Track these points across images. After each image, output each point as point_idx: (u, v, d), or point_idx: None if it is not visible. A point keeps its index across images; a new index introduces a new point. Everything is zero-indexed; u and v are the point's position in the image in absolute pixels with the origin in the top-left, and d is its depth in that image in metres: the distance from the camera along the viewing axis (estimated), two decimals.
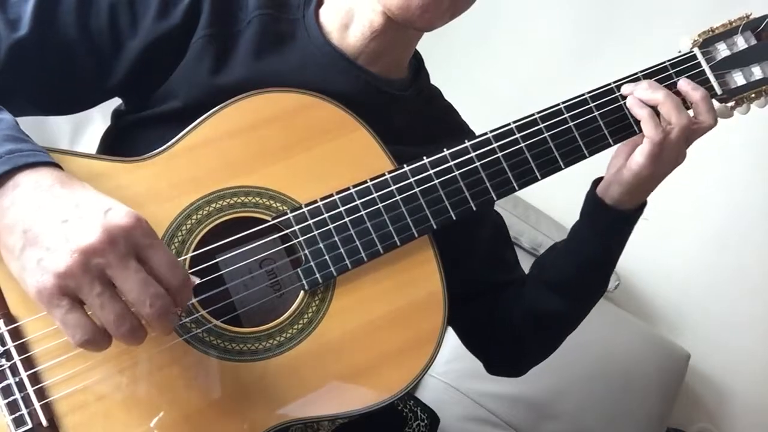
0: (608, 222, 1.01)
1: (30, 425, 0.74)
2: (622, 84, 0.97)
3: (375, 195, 0.88)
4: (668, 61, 0.98)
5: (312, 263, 0.86)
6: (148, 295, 0.68)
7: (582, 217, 1.05)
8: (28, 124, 1.93)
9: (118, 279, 0.67)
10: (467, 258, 1.09)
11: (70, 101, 0.96)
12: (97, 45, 0.90)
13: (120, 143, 0.98)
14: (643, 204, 1.01)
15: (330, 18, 0.98)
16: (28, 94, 0.90)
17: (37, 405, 0.75)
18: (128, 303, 0.68)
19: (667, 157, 0.95)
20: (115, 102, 1.01)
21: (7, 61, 0.85)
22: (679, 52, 1.00)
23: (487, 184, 0.91)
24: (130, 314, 0.68)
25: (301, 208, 0.87)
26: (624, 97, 0.96)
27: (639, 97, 0.95)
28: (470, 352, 1.22)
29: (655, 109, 0.95)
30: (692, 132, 0.95)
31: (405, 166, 0.90)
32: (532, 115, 0.94)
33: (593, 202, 1.02)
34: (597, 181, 1.03)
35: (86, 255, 0.66)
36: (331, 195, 0.88)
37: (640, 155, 0.94)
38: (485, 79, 2.14)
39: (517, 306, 1.11)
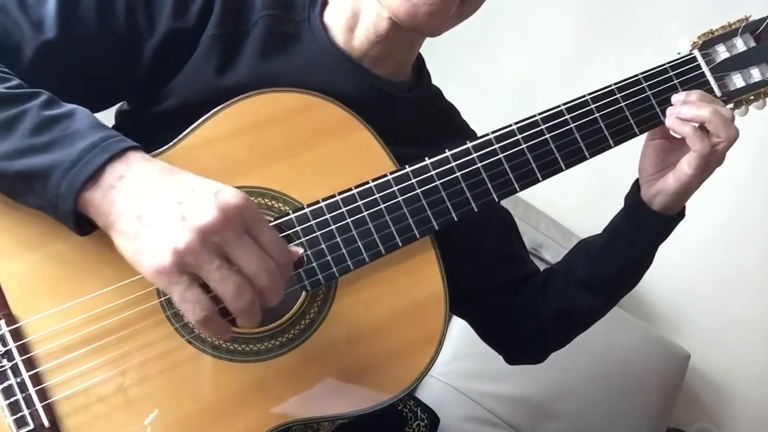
0: (656, 226, 1.02)
1: (32, 426, 0.74)
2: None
3: (377, 196, 0.89)
4: (668, 63, 0.98)
5: (314, 264, 0.86)
6: (265, 268, 0.70)
7: (627, 219, 1.05)
8: None
9: (236, 254, 0.69)
10: (479, 256, 1.10)
11: (92, 101, 0.95)
12: (117, 45, 0.90)
13: None
14: (684, 207, 1.02)
15: (335, 20, 0.98)
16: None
17: (38, 406, 0.75)
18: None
19: (713, 164, 0.96)
20: None
21: (34, 62, 0.85)
22: (679, 54, 1.00)
23: (489, 185, 0.92)
24: (249, 286, 0.70)
25: (303, 208, 0.87)
26: (625, 99, 0.96)
27: (684, 117, 0.94)
28: (488, 345, 1.24)
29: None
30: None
31: (407, 167, 0.90)
32: (534, 116, 0.94)
33: (640, 207, 1.02)
34: (637, 183, 1.04)
35: (204, 233, 0.68)
36: (333, 196, 0.88)
37: (688, 167, 0.95)
38: (486, 79, 2.14)
39: (544, 303, 1.12)
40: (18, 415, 0.74)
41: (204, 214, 0.68)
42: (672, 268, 2.11)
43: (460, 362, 1.86)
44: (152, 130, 0.93)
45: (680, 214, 1.02)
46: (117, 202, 0.72)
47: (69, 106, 0.80)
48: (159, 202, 0.70)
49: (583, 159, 0.95)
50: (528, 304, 1.14)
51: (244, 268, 0.69)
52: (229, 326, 0.73)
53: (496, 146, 0.92)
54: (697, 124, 0.94)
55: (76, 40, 0.87)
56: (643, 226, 1.03)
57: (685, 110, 0.95)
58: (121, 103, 1.02)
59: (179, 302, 0.69)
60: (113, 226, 0.72)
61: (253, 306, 0.70)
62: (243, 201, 0.70)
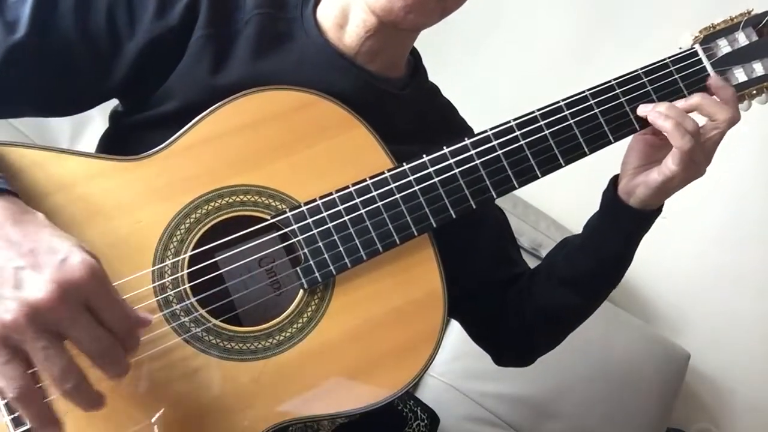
0: (632, 221, 1.01)
1: (29, 425, 0.74)
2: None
3: (374, 193, 0.88)
4: (669, 57, 0.98)
5: (311, 262, 0.86)
6: (101, 347, 0.67)
7: (602, 215, 1.04)
8: (28, 124, 1.93)
9: (69, 333, 0.66)
10: (473, 255, 1.09)
11: (69, 103, 0.96)
12: (95, 46, 0.89)
13: (118, 145, 0.97)
14: (662, 204, 1.01)
15: (326, 17, 0.98)
16: (27, 96, 0.90)
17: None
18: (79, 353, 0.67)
19: (699, 160, 0.94)
20: (114, 101, 1.00)
21: (4, 64, 0.85)
22: (680, 48, 0.99)
23: (487, 182, 0.91)
24: (76, 369, 0.66)
25: (300, 206, 0.86)
26: (625, 94, 0.95)
27: (682, 108, 0.94)
28: (478, 346, 1.23)
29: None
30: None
31: (404, 164, 0.90)
32: (533, 112, 0.94)
33: (615, 201, 1.01)
34: (615, 178, 1.03)
35: (36, 310, 0.64)
36: (330, 193, 0.87)
37: (672, 163, 0.93)
38: (484, 76, 2.14)
39: (528, 302, 1.11)
40: (16, 414, 0.73)
41: (39, 289, 0.64)
42: (672, 268, 2.12)
43: (460, 362, 1.85)
44: (147, 132, 0.92)
45: (658, 210, 1.01)
46: None
47: None
48: None
49: (583, 155, 0.94)
50: (514, 303, 1.13)
51: (78, 347, 0.66)
52: (48, 410, 0.68)
53: (495, 143, 0.92)
54: (675, 122, 0.93)
55: (49, 41, 0.86)
56: (617, 222, 1.02)
57: (680, 104, 0.94)
58: (116, 105, 1.01)
59: None
60: None
61: (78, 390, 0.66)
62: (87, 273, 0.65)
